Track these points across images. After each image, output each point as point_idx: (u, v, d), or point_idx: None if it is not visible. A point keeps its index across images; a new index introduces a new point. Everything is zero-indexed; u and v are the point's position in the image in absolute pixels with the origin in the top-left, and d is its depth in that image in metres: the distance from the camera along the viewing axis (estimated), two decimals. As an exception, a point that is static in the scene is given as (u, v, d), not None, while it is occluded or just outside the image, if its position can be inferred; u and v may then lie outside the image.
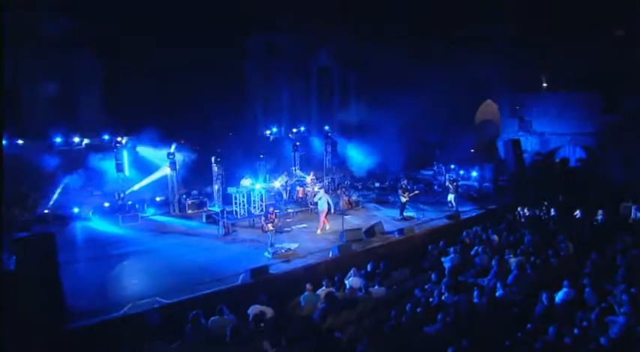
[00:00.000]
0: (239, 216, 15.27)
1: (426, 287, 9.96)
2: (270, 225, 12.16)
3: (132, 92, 20.35)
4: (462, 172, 20.92)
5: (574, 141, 26.40)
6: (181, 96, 22.18)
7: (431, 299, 9.09)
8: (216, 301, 8.99)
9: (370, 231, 13.75)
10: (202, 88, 21.81)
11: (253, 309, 8.67)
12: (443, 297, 9.12)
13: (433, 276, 10.14)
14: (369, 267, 10.73)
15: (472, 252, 12.16)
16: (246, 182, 15.56)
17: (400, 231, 13.87)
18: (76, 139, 19.94)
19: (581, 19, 23.55)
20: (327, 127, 24.15)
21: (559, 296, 9.07)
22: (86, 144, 20.15)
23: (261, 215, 14.23)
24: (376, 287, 9.67)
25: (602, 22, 23.95)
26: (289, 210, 16.52)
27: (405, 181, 16.27)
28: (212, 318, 8.21)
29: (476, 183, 19.98)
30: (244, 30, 24.01)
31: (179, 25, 20.89)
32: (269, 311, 8.71)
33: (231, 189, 15.40)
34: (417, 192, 16.69)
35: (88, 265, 11.69)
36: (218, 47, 22.18)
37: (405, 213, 16.09)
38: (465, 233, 13.66)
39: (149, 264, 11.71)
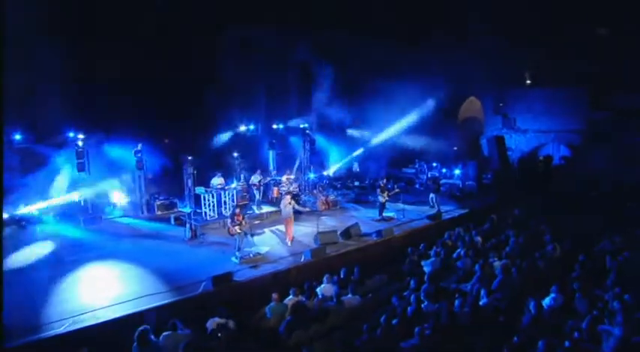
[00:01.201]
0: (209, 218, 14.33)
1: (404, 294, 9.18)
2: (237, 228, 11.25)
3: (100, 86, 19.18)
4: (444, 170, 20.24)
5: (558, 139, 25.92)
6: (152, 92, 21.02)
7: (409, 308, 8.29)
8: (172, 314, 8.11)
9: (346, 233, 12.93)
10: (174, 84, 20.74)
11: (212, 323, 7.79)
12: (422, 306, 8.34)
13: (412, 283, 9.35)
14: (342, 273, 9.88)
15: (454, 255, 11.42)
16: (217, 181, 14.63)
17: (378, 232, 13.08)
18: (37, 136, 18.55)
19: (567, 13, 23.06)
20: (306, 125, 23.25)
21: (546, 302, 8.35)
22: (49, 142, 18.82)
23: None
24: (349, 295, 8.84)
25: (590, 17, 23.48)
26: (262, 211, 15.63)
27: (384, 180, 15.49)
28: (164, 334, 7.30)
29: (459, 182, 19.30)
30: (219, 22, 22.99)
31: (149, 14, 19.80)
32: (230, 325, 7.83)
33: (199, 189, 14.46)
34: (397, 190, 15.91)
35: (36, 273, 10.64)
36: (191, 40, 21.12)
37: (384, 214, 15.31)
38: (446, 234, 12.92)
39: (103, 272, 10.72)
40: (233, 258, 11.16)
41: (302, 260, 11.07)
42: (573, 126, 25.05)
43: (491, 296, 8.65)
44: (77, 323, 7.96)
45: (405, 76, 23.12)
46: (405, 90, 23.09)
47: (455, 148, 25.82)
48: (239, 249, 11.34)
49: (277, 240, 13.00)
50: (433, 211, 15.90)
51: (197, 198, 14.90)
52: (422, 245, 12.05)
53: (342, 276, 9.80)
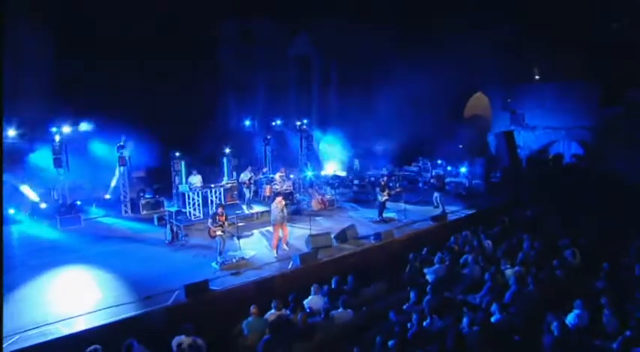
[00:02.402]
0: (193, 218, 13.21)
1: (404, 308, 8.00)
2: (218, 230, 10.09)
3: (86, 77, 18.06)
4: (449, 168, 19.02)
5: (569, 136, 24.61)
6: (145, 85, 19.88)
7: (409, 325, 7.12)
8: (133, 330, 6.96)
9: (341, 236, 11.74)
10: (169, 76, 19.63)
11: (177, 342, 6.65)
12: (424, 323, 7.16)
13: (412, 295, 8.15)
14: (333, 283, 8.70)
15: (461, 261, 10.24)
16: (194, 179, 13.52)
17: (377, 235, 11.90)
18: (12, 132, 17.34)
19: (577, 5, 21.86)
20: (305, 121, 22.10)
21: (570, 320, 7.15)
22: (27, 137, 17.65)
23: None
24: (340, 309, 7.66)
25: (601, 8, 22.25)
26: (252, 211, 14.48)
27: (385, 178, 14.30)
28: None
29: (465, 180, 18.08)
30: (217, 15, 21.92)
31: (145, 5, 18.69)
32: (199, 344, 6.68)
33: (183, 187, 13.35)
34: (398, 189, 14.78)
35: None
36: (188, 32, 20.03)
37: (384, 214, 14.12)
38: (452, 238, 11.73)
39: (66, 279, 9.58)
40: (213, 264, 10.01)
41: (289, 266, 9.90)
42: (585, 122, 23.72)
43: (504, 311, 7.44)
44: (21, 342, 6.81)
45: (409, 71, 22.02)
46: (409, 86, 22.03)
47: (460, 146, 24.61)
48: (220, 254, 10.18)
49: (266, 244, 11.84)
50: (437, 212, 14.71)
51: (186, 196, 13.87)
52: (425, 249, 10.86)
53: (333, 286, 8.61)
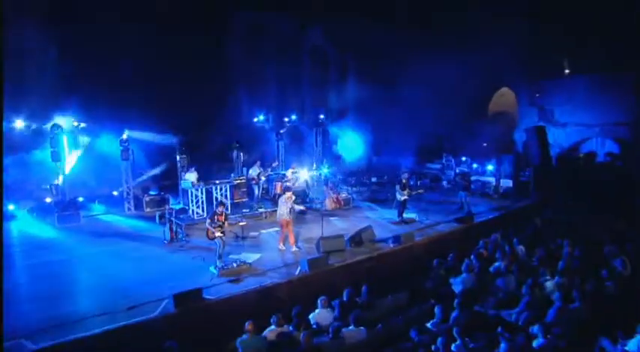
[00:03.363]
0: (196, 217, 12.22)
1: (428, 325, 6.83)
2: (217, 231, 9.04)
3: (92, 70, 17.24)
4: (475, 166, 17.68)
5: (604, 133, 22.91)
6: (152, 79, 19.00)
7: (434, 348, 5.97)
8: (108, 348, 5.95)
9: (356, 239, 10.58)
10: (177, 70, 18.70)
11: (157, 364, 5.60)
12: (452, 347, 5.97)
13: (437, 310, 6.96)
14: (344, 295, 7.55)
15: (491, 270, 9.01)
16: (191, 176, 12.54)
17: (396, 238, 10.71)
18: (20, 124, 16.62)
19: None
20: (322, 116, 20.98)
21: (632, 347, 5.89)
22: (33, 130, 16.92)
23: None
24: (352, 327, 6.52)
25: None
26: (261, 210, 13.44)
27: (406, 175, 13.09)
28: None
29: (492, 179, 16.72)
30: (227, 6, 20.89)
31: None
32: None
33: (185, 183, 12.38)
34: (420, 190, 13.56)
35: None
36: (197, 26, 19.06)
37: (404, 215, 12.93)
38: (481, 242, 10.48)
39: (54, 283, 8.65)
40: (212, 268, 8.97)
41: (297, 273, 8.78)
42: (622, 117, 22.01)
43: (548, 332, 6.21)
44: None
45: (431, 65, 20.72)
46: (431, 80, 20.73)
47: (484, 144, 23.17)
48: (220, 257, 9.14)
49: (273, 246, 10.74)
50: (463, 212, 13.47)
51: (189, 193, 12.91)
52: (450, 255, 9.65)
53: (344, 298, 7.47)
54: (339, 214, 13.82)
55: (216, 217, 9.09)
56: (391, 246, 10.56)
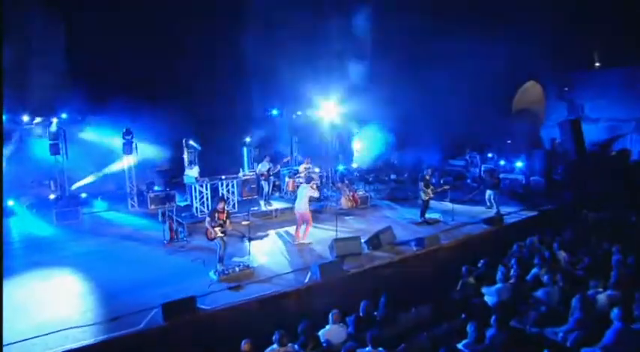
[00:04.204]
0: (200, 215, 11.28)
1: (460, 347, 5.73)
2: (217, 230, 8.06)
3: (100, 61, 16.41)
4: (502, 162, 16.39)
5: (639, 129, 21.36)
6: (161, 68, 18.10)
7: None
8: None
9: (374, 241, 9.49)
10: (187, 59, 17.79)
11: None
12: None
13: (470, 328, 5.84)
14: (361, 308, 6.48)
15: (528, 277, 7.86)
16: (191, 172, 11.60)
17: (419, 241, 9.58)
18: (25, 118, 15.85)
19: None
20: (337, 110, 19.84)
21: None
22: (37, 124, 16.18)
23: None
24: (369, 348, 5.45)
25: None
26: (270, 208, 12.43)
27: (429, 172, 11.95)
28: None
29: (521, 176, 15.44)
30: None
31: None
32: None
33: (188, 178, 11.45)
34: (446, 187, 12.41)
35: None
36: (209, 13, 18.12)
37: (427, 215, 11.80)
38: (515, 246, 9.31)
39: (34, 287, 7.75)
40: (211, 273, 7.98)
41: (306, 280, 7.73)
42: (660, 111, 20.52)
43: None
44: None
45: (453, 57, 19.55)
46: (453, 73, 19.53)
47: (508, 142, 21.78)
48: (221, 260, 8.15)
49: (282, 248, 9.73)
50: (491, 213, 12.29)
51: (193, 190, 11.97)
52: (481, 262, 8.51)
53: (360, 313, 6.40)
54: (355, 213, 12.74)
55: (216, 215, 8.11)
56: (414, 249, 9.44)
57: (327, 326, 6.03)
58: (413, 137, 19.72)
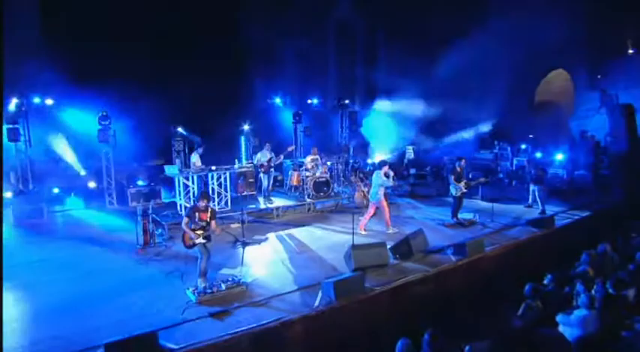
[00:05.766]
0: (184, 214, 9.23)
1: None
2: (198, 234, 6.04)
3: (80, 33, 14.23)
4: (538, 155, 14.27)
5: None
6: (153, 52, 15.98)
7: None
8: None
9: (403, 248, 7.40)
10: (185, 45, 15.69)
11: None
12: None
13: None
14: (397, 349, 4.43)
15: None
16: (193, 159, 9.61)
17: (459, 248, 7.51)
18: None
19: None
20: (346, 101, 17.87)
21: None
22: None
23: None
24: None
25: None
26: (271, 206, 10.39)
27: (462, 163, 9.90)
28: None
29: (562, 171, 13.34)
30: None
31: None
32: None
33: (170, 169, 9.44)
34: (482, 179, 10.35)
35: None
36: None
37: (460, 216, 9.75)
38: (584, 255, 7.20)
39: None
40: (189, 292, 5.94)
41: (316, 304, 5.67)
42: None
43: None
44: None
45: (472, 43, 17.51)
46: (472, 61, 17.53)
47: (530, 136, 19.70)
48: (202, 274, 6.11)
49: (284, 257, 7.68)
50: (534, 212, 10.26)
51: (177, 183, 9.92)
52: (549, 277, 6.43)
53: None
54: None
55: (196, 214, 6.07)
56: (452, 259, 7.36)
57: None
58: (431, 128, 17.72)
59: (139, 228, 8.15)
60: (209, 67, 15.81)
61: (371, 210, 9.11)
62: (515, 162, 14.49)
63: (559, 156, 13.49)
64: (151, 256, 7.75)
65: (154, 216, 8.66)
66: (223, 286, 5.96)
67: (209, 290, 5.84)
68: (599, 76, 21.70)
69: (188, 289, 5.99)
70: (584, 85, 22.07)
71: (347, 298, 5.76)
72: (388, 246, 7.27)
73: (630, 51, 22.55)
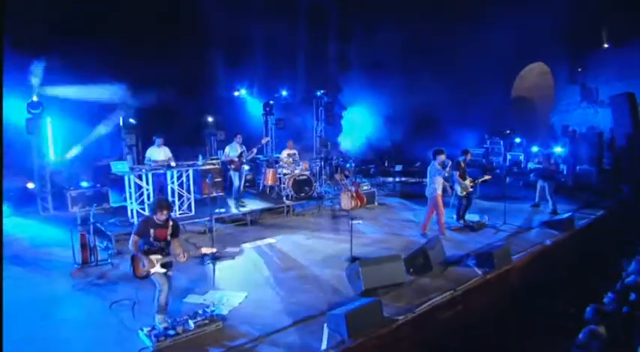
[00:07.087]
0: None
1: None
2: (153, 261, 4.29)
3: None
4: (535, 149, 13.15)
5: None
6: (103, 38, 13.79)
7: None
8: None
9: (420, 261, 5.86)
10: (135, 25, 13.62)
11: None
12: None
13: None
14: None
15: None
16: (157, 153, 7.83)
17: (485, 258, 6.06)
18: None
19: None
20: (321, 91, 16.34)
21: None
22: None
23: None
24: None
25: None
26: (244, 210, 8.68)
27: (466, 157, 8.55)
28: None
29: (563, 166, 12.28)
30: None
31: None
32: None
33: (118, 166, 7.60)
34: (487, 177, 9.02)
35: None
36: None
37: (467, 217, 8.37)
38: (634, 264, 5.90)
39: None
40: (143, 334, 4.21)
41: (323, 347, 4.07)
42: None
43: None
44: None
45: (449, 32, 16.59)
46: (449, 51, 16.56)
47: (507, 131, 18.77)
48: (161, 310, 4.38)
49: (267, 275, 6.02)
50: (544, 212, 9.04)
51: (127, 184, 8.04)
52: (610, 296, 5.07)
53: None
54: (364, 215, 9.17)
55: (151, 232, 4.30)
56: (478, 272, 5.90)
57: None
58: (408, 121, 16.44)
59: (77, 241, 6.30)
60: (167, 53, 13.79)
61: (430, 208, 7.88)
62: (509, 157, 13.32)
63: (558, 149, 12.41)
64: (91, 279, 5.92)
65: (97, 225, 6.84)
66: (191, 324, 4.26)
67: (171, 332, 4.13)
68: (579, 69, 21.02)
69: (142, 330, 4.25)
70: (565, 79, 21.35)
71: (363, 334, 4.19)
72: (402, 258, 5.73)
73: (605, 45, 21.99)
